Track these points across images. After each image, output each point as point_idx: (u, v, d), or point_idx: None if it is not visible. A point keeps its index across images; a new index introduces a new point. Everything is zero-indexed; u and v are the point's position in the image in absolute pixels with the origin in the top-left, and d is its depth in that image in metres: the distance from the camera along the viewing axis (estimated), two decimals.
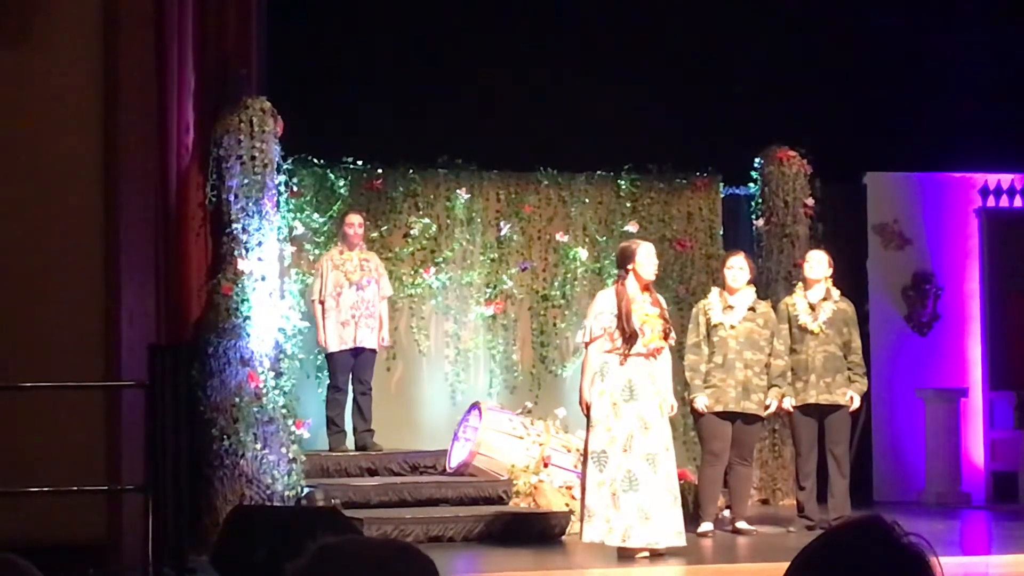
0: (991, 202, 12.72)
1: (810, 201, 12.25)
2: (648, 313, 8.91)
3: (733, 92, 12.49)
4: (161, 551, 7.85)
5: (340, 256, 11.13)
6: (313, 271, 11.39)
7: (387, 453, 11.00)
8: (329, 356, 11.11)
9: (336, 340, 11.01)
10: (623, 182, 12.56)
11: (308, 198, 11.81)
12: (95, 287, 8.64)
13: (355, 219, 11.26)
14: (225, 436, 9.40)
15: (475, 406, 11.11)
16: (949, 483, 12.12)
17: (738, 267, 10.02)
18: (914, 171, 12.73)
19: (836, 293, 10.20)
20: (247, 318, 9.69)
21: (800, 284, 10.41)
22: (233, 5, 10.20)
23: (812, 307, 10.11)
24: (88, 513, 8.37)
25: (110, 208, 8.71)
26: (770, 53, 12.48)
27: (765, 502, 11.88)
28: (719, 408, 9.87)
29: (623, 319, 8.79)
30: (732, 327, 9.93)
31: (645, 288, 9.01)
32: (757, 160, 12.38)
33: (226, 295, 9.71)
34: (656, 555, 8.73)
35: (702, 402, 9.84)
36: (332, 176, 11.91)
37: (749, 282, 10.07)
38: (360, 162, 11.99)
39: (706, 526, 9.81)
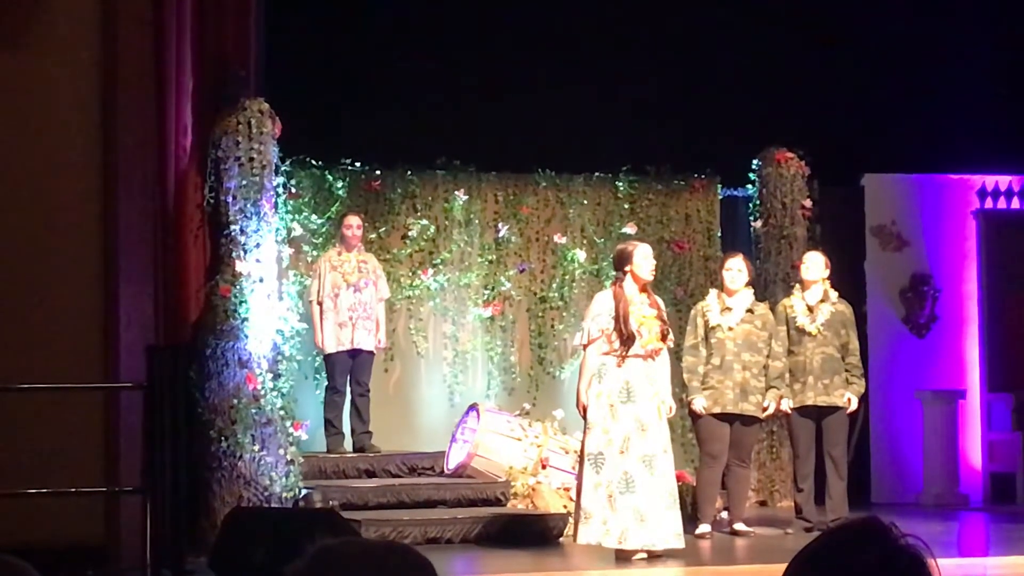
0: (989, 204, 12.73)
1: (808, 203, 12.26)
2: (646, 315, 8.91)
3: (731, 94, 12.48)
4: (159, 553, 7.85)
5: (338, 257, 11.13)
6: (311, 272, 11.39)
7: (385, 455, 11.00)
8: (327, 357, 11.11)
9: (334, 341, 11.01)
10: (621, 184, 12.56)
11: (306, 199, 11.81)
12: (93, 289, 8.64)
13: (353, 220, 11.26)
14: (223, 438, 9.40)
15: (473, 408, 11.11)
16: (947, 485, 12.12)
17: (736, 269, 10.03)
18: (912, 173, 12.74)
19: (834, 295, 10.20)
20: (245, 320, 9.69)
21: (798, 286, 10.41)
22: (231, 7, 10.20)
23: (810, 309, 10.12)
24: (86, 515, 8.37)
25: (108, 209, 8.71)
26: (768, 55, 12.47)
27: (763, 504, 11.89)
28: (717, 410, 9.87)
29: (621, 321, 8.79)
30: (730, 329, 9.93)
31: (643, 289, 9.01)
32: (755, 162, 12.39)
33: (224, 297, 9.71)
34: (653, 557, 8.73)
35: (700, 404, 9.85)
36: (330, 177, 11.91)
37: (747, 284, 10.07)
38: (358, 164, 11.99)
39: (704, 528, 9.81)
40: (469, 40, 12.25)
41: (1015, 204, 12.77)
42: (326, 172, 11.90)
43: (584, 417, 8.80)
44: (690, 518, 9.70)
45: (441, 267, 12.14)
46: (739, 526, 10.03)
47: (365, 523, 9.14)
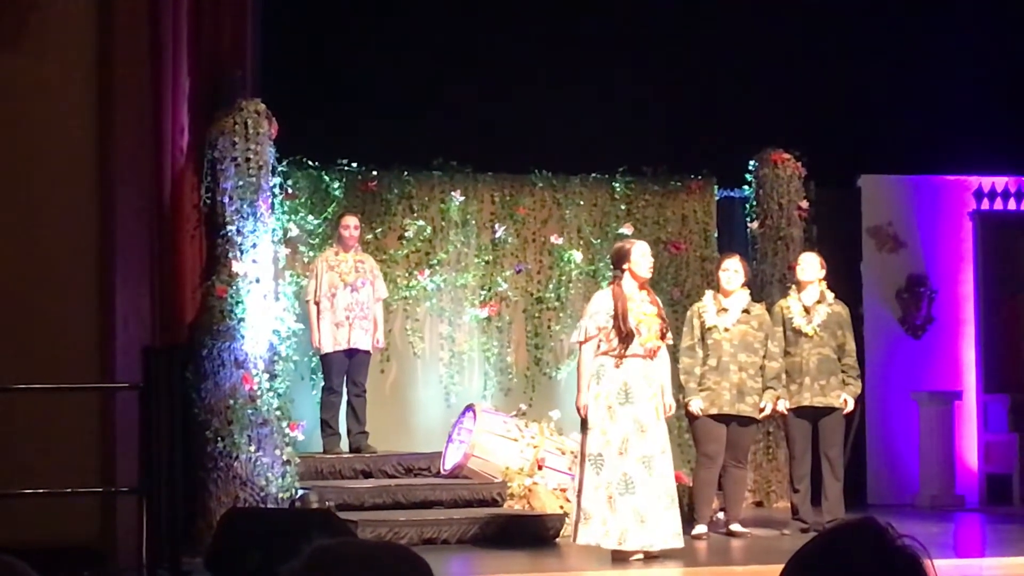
0: (985, 205, 12.74)
1: (804, 204, 12.27)
2: (646, 312, 8.90)
3: (727, 95, 12.49)
4: (155, 553, 7.84)
5: (335, 257, 11.13)
6: (307, 273, 11.39)
7: (381, 455, 11.00)
8: (323, 357, 11.10)
9: (330, 341, 11.01)
10: (618, 184, 12.56)
11: (303, 200, 11.80)
12: (89, 289, 8.63)
13: (351, 221, 11.26)
14: (219, 438, 9.40)
15: (469, 408, 11.11)
16: (943, 486, 12.13)
17: (733, 270, 10.03)
18: (908, 174, 12.74)
19: (830, 296, 10.21)
20: (241, 320, 9.68)
21: (794, 287, 10.41)
22: (228, 7, 10.20)
23: (806, 310, 10.12)
24: (82, 515, 8.36)
25: (104, 210, 8.70)
26: (764, 56, 12.49)
27: (759, 504, 11.89)
28: (714, 411, 9.87)
29: (619, 318, 8.78)
30: (726, 330, 9.94)
31: (642, 287, 9.01)
32: (752, 163, 12.40)
33: (220, 297, 9.71)
34: (650, 557, 8.73)
35: (697, 405, 9.85)
36: (327, 178, 11.91)
37: (743, 285, 10.08)
38: (355, 164, 11.99)
39: (700, 528, 9.81)
40: (466, 41, 12.25)
41: (1011, 205, 12.78)
42: (322, 173, 11.90)
43: (584, 418, 8.78)
44: (686, 519, 9.69)
45: (437, 268, 12.14)
46: (735, 527, 10.03)
47: (361, 524, 9.14)
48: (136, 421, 8.17)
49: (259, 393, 9.59)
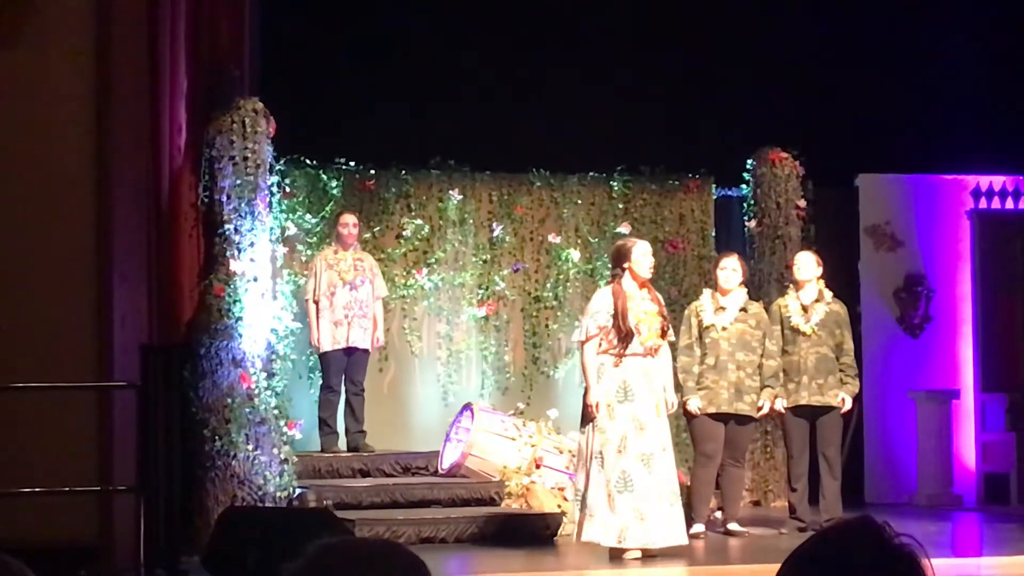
0: (983, 204, 12.74)
1: (802, 203, 12.27)
2: (647, 311, 8.90)
3: (725, 94, 12.48)
4: (153, 552, 7.85)
5: (334, 256, 11.13)
6: (306, 272, 11.39)
7: (379, 454, 11.00)
8: (322, 356, 11.10)
9: (329, 340, 11.00)
10: (615, 183, 12.57)
11: (300, 199, 11.80)
12: (87, 287, 8.63)
13: (350, 219, 11.26)
14: (217, 437, 9.40)
15: (467, 407, 11.11)
16: (941, 485, 12.13)
17: (731, 268, 10.03)
18: (906, 173, 12.74)
19: (829, 295, 10.20)
20: (239, 319, 9.68)
21: (792, 286, 10.41)
22: (226, 6, 10.19)
23: (805, 308, 10.12)
24: (80, 514, 8.36)
25: (102, 209, 8.69)
26: (762, 55, 12.48)
27: (757, 504, 11.89)
28: (712, 410, 9.87)
29: (619, 317, 8.78)
30: (724, 328, 9.94)
31: (643, 286, 9.01)
32: (749, 162, 12.40)
33: (218, 296, 9.70)
34: (648, 556, 8.73)
35: (695, 404, 9.85)
36: (324, 177, 11.91)
37: (741, 283, 10.08)
38: (352, 163, 11.99)
39: (698, 527, 9.81)
40: (463, 40, 12.24)
41: (1009, 204, 12.78)
42: (320, 171, 11.90)
43: (594, 415, 8.76)
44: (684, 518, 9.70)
45: (435, 267, 12.14)
46: (733, 526, 10.03)
47: (359, 523, 9.14)
48: (134, 420, 8.17)
49: (257, 392, 9.58)
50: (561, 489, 10.31)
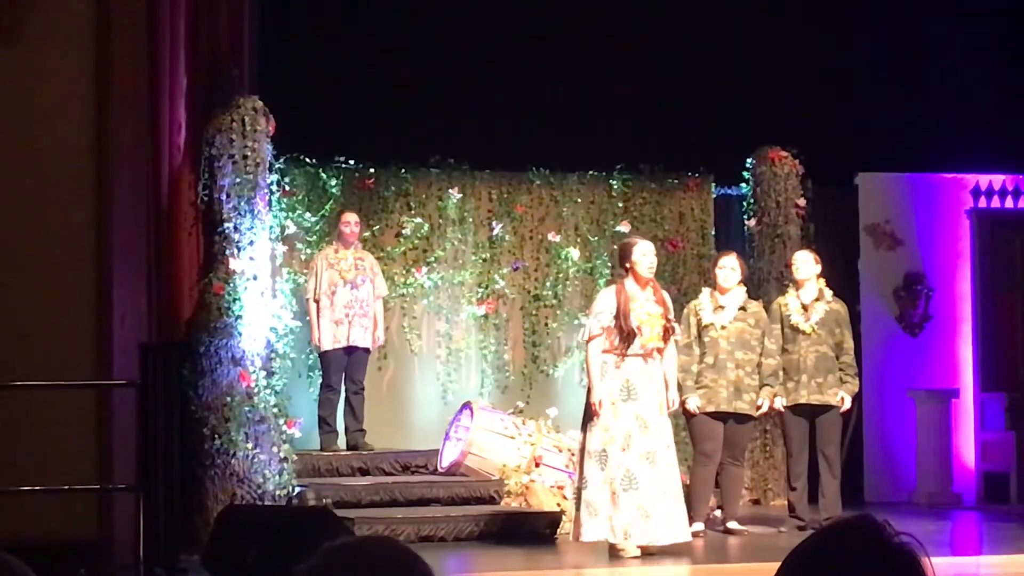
0: (982, 203, 12.74)
1: (802, 201, 12.27)
2: (650, 312, 8.90)
3: (725, 92, 12.48)
4: (152, 550, 7.85)
5: (335, 255, 11.13)
6: (305, 271, 11.39)
7: (378, 453, 10.99)
8: (323, 355, 11.10)
9: (330, 339, 11.00)
10: (615, 182, 12.57)
11: (300, 197, 11.80)
12: (87, 286, 8.63)
13: (351, 218, 11.26)
14: (216, 435, 9.40)
15: (467, 406, 11.11)
16: (940, 484, 12.13)
17: (730, 267, 10.03)
18: (906, 172, 12.74)
19: (829, 293, 10.20)
20: (239, 317, 9.68)
21: (792, 285, 10.41)
22: (226, 5, 10.19)
23: (805, 307, 10.12)
24: (79, 512, 8.36)
25: (102, 207, 8.70)
26: (762, 53, 12.48)
27: (756, 502, 11.89)
28: (711, 408, 9.87)
29: (620, 317, 8.80)
30: (723, 327, 9.94)
31: (647, 286, 9.01)
32: (749, 160, 12.41)
33: (218, 294, 9.70)
34: (648, 554, 8.74)
35: (694, 403, 9.85)
36: (324, 175, 11.91)
37: (740, 282, 10.08)
38: (352, 161, 11.99)
39: (697, 526, 9.80)
40: (463, 38, 12.24)
41: (1009, 203, 12.78)
42: (320, 170, 11.91)
43: (597, 414, 8.76)
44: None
45: (435, 265, 12.15)
46: (732, 524, 10.03)
47: (358, 521, 9.13)
48: (133, 418, 8.17)
49: (256, 390, 9.59)
50: (560, 487, 10.32)
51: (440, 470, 10.84)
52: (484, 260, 12.28)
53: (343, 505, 9.64)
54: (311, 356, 11.43)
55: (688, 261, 12.60)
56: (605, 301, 8.96)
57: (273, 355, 9.91)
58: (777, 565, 1.93)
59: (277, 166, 10.63)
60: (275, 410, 9.71)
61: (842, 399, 10.06)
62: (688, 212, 12.70)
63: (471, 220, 12.28)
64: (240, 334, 9.65)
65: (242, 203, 9.82)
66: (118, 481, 8.31)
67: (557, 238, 12.39)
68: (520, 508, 10.24)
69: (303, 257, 11.65)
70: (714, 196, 12.84)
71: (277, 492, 9.47)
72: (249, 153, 9.87)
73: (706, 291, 10.21)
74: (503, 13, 12.35)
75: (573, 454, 10.45)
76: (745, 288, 10.19)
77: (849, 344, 10.19)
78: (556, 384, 12.27)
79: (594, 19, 12.57)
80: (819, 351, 10.03)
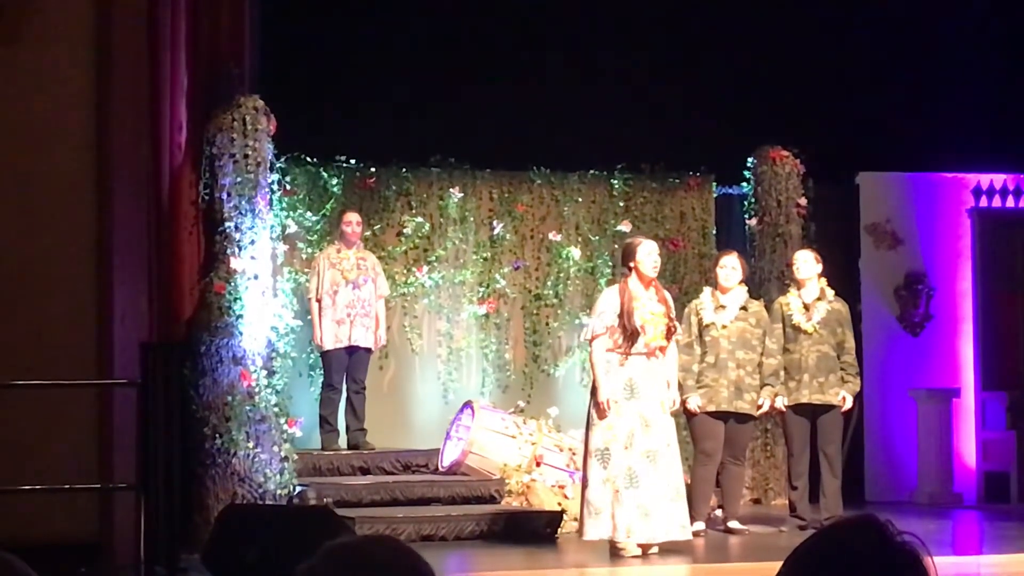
0: (983, 202, 12.73)
1: (803, 201, 12.27)
2: (653, 311, 8.92)
3: (726, 91, 12.47)
4: (153, 549, 7.84)
5: (337, 254, 11.13)
6: (307, 270, 11.38)
7: (379, 452, 10.99)
8: (324, 354, 11.10)
9: (331, 338, 11.00)
10: (616, 181, 12.57)
11: (301, 196, 11.80)
12: (87, 285, 8.63)
13: (353, 217, 11.26)
14: (217, 435, 9.40)
15: (467, 405, 11.11)
16: (941, 483, 12.13)
17: (731, 266, 10.03)
18: (907, 171, 12.74)
19: (830, 293, 10.20)
20: (239, 316, 9.68)
21: (792, 284, 10.40)
22: (226, 4, 10.18)
23: (806, 307, 10.12)
24: (80, 511, 8.36)
25: (102, 206, 8.70)
26: (763, 52, 12.47)
27: (757, 501, 11.89)
28: (712, 408, 9.87)
29: (624, 317, 8.81)
30: (724, 327, 9.94)
31: (650, 285, 9.02)
32: (750, 160, 12.40)
33: (219, 293, 9.70)
34: (648, 553, 8.74)
35: (695, 402, 9.85)
36: (325, 175, 11.91)
37: (741, 282, 10.08)
38: (353, 161, 11.99)
39: (698, 525, 9.80)
40: (464, 37, 12.23)
41: (1010, 203, 12.78)
42: (321, 169, 11.90)
43: (604, 413, 8.76)
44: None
45: (436, 264, 12.14)
46: (733, 524, 10.03)
47: (359, 520, 9.13)
48: (134, 417, 8.16)
49: (257, 390, 9.58)
50: (561, 487, 10.32)
51: (441, 469, 10.84)
52: (485, 259, 12.28)
53: (344, 504, 9.64)
54: (312, 355, 11.43)
55: (689, 260, 12.59)
56: (608, 300, 8.97)
57: (274, 354, 9.90)
58: (778, 565, 1.93)
59: (278, 165, 10.63)
60: (276, 409, 9.71)
61: (843, 398, 10.06)
62: (689, 211, 12.70)
63: (472, 219, 12.28)
64: (241, 333, 9.65)
65: (243, 202, 9.82)
66: (119, 480, 8.31)
67: (558, 237, 12.39)
68: (521, 507, 10.24)
69: (304, 256, 11.65)
70: (715, 195, 12.84)
71: (278, 491, 9.46)
72: (250, 152, 9.86)
73: (707, 290, 10.20)
74: (504, 13, 12.34)
75: (574, 453, 10.46)
76: (746, 288, 10.18)
77: (850, 344, 10.18)
78: (557, 383, 12.27)
79: (595, 19, 12.57)
80: (820, 351, 10.03)
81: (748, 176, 12.44)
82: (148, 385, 7.96)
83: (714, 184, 12.83)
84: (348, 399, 11.14)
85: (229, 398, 9.47)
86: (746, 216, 12.49)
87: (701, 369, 9.92)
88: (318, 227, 11.79)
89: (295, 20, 11.79)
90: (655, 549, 8.81)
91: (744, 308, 10.02)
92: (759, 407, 10.01)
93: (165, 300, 9.54)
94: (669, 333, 8.99)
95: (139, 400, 8.05)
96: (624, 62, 12.42)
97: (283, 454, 9.62)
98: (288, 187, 11.50)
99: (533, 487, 10.36)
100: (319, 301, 11.02)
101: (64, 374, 8.38)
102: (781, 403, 10.05)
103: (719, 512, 10.26)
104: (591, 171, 12.54)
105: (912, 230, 12.66)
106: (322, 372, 11.25)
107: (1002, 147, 12.54)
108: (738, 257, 10.17)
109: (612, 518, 8.68)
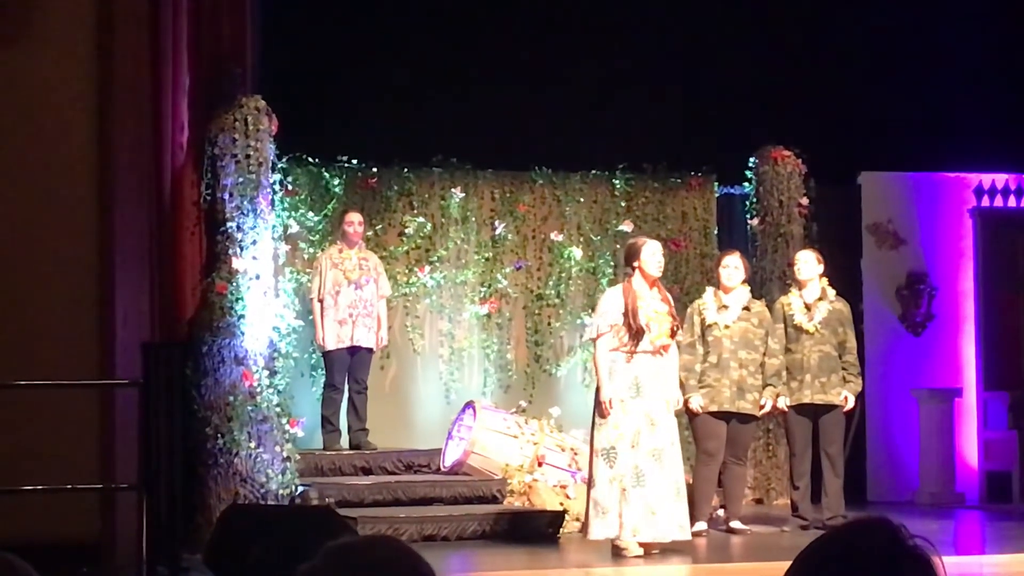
0: (985, 202, 12.73)
1: (804, 201, 12.27)
2: (657, 310, 8.93)
3: (728, 92, 12.48)
4: (155, 549, 7.83)
5: (339, 255, 11.13)
6: (308, 270, 11.39)
7: (381, 452, 10.99)
8: (326, 355, 11.10)
9: (334, 339, 11.00)
10: (618, 181, 12.57)
11: (303, 197, 11.80)
12: (89, 285, 8.63)
13: (355, 217, 11.26)
14: (219, 435, 9.40)
15: (469, 405, 11.11)
16: (943, 483, 12.13)
17: (733, 266, 10.03)
18: (908, 171, 12.74)
19: (832, 293, 10.20)
20: (241, 317, 9.68)
21: (794, 284, 10.40)
22: (227, 4, 10.18)
23: (808, 307, 10.11)
24: (82, 511, 8.36)
25: (104, 206, 8.70)
26: (764, 52, 12.48)
27: (759, 501, 11.89)
28: (714, 408, 9.87)
29: (629, 315, 8.82)
30: (726, 327, 9.93)
31: (653, 285, 9.03)
32: (752, 160, 12.40)
33: (220, 294, 9.70)
34: (649, 553, 8.74)
35: (697, 402, 9.84)
36: (327, 175, 11.91)
37: (743, 282, 10.08)
38: (355, 161, 11.99)
39: (700, 525, 9.80)
40: (466, 38, 12.24)
41: (1012, 202, 12.78)
42: (323, 169, 11.90)
43: (607, 412, 8.77)
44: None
45: (437, 264, 12.14)
46: (735, 524, 10.03)
47: (361, 520, 9.12)
48: (136, 417, 8.16)
49: (259, 390, 9.58)
50: (563, 487, 10.32)
51: (443, 469, 10.84)
52: (487, 259, 12.28)
53: (346, 504, 9.64)
54: (314, 355, 11.43)
55: (691, 260, 12.60)
56: (611, 299, 8.98)
57: (276, 354, 9.91)
58: (780, 565, 1.93)
59: (280, 165, 10.63)
60: (278, 409, 9.71)
61: (845, 398, 10.06)
62: (691, 211, 12.70)
63: (474, 219, 12.28)
64: (243, 333, 9.65)
65: (245, 202, 9.82)
66: (121, 480, 8.31)
67: (560, 237, 12.39)
68: (523, 507, 10.24)
69: (306, 256, 11.65)
70: (717, 195, 12.85)
71: (280, 491, 9.47)
72: (252, 152, 9.86)
73: (710, 290, 10.20)
74: (505, 12, 12.35)
75: (576, 453, 10.46)
76: (748, 288, 10.18)
77: (852, 343, 10.18)
78: (559, 383, 12.27)
79: (596, 19, 12.57)
80: (822, 351, 10.03)
81: (750, 176, 12.44)
82: (150, 385, 7.96)
83: (716, 184, 12.83)
84: (350, 399, 11.14)
85: (231, 398, 9.47)
86: (748, 216, 12.49)
87: (703, 369, 9.92)
88: (320, 227, 11.79)
89: (296, 20, 11.79)
90: (657, 550, 8.81)
91: (747, 308, 10.02)
92: (761, 407, 10.01)
93: (167, 300, 9.54)
94: (673, 331, 9.00)
95: (141, 400, 8.04)
96: (626, 62, 12.43)
97: (285, 454, 9.62)
98: (290, 187, 11.51)
99: (535, 487, 10.36)
100: (321, 301, 11.02)
101: (66, 374, 8.38)
102: (783, 403, 10.05)
103: (721, 512, 10.26)
104: (593, 171, 12.55)
105: (914, 230, 12.66)
106: (324, 372, 11.25)
107: (1004, 147, 12.54)
108: (740, 257, 10.17)
109: (619, 517, 8.69)
